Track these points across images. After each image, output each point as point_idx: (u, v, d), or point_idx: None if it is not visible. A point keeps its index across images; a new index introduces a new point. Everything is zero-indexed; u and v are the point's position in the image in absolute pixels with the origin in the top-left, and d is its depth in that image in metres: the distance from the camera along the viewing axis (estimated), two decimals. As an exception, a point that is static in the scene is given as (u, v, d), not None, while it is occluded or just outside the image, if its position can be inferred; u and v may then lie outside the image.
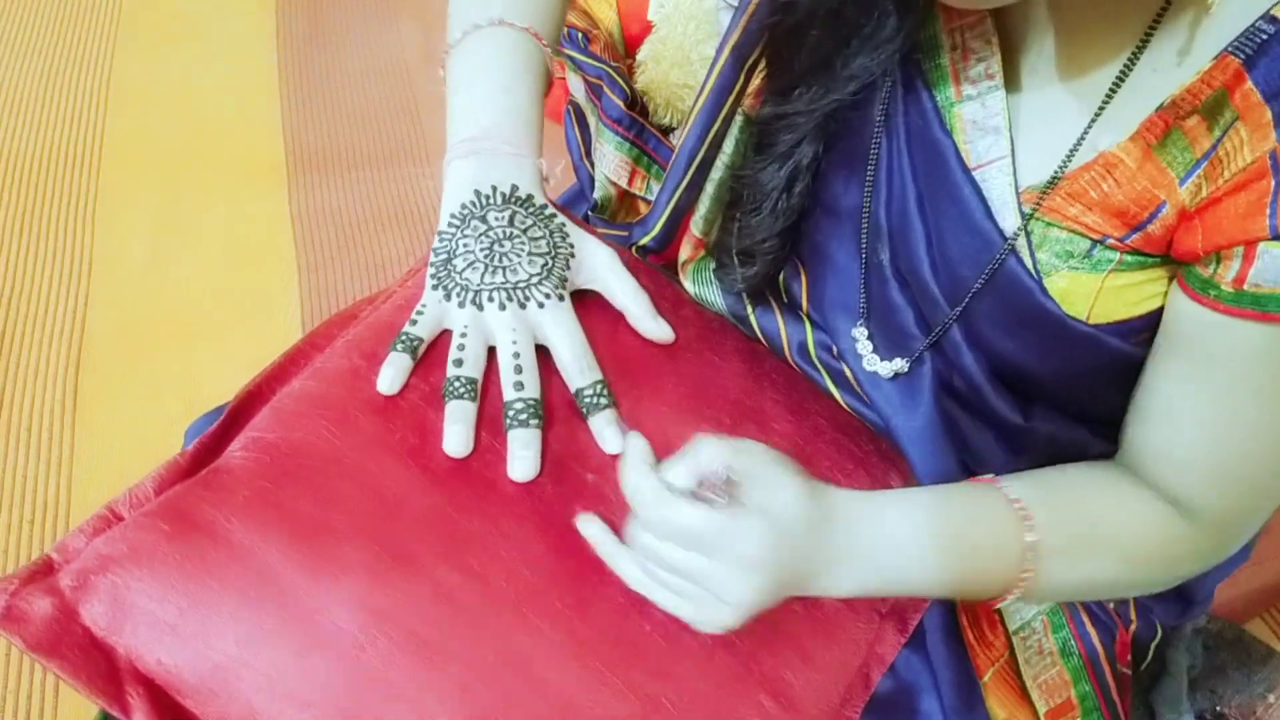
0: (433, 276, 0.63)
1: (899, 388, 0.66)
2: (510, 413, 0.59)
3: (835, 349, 0.69)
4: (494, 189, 0.64)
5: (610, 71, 1.07)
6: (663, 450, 0.61)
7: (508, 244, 0.62)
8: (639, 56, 1.20)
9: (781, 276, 0.71)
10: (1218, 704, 0.84)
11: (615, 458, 0.59)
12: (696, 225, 0.73)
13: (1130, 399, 0.61)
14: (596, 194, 1.01)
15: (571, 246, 0.64)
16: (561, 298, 0.62)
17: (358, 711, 0.51)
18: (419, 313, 0.63)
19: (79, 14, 1.80)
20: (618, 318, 0.67)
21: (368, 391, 0.61)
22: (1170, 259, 0.55)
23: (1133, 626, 0.72)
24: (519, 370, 0.60)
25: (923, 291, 0.62)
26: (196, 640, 0.51)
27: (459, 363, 0.60)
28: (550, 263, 0.63)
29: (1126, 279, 0.56)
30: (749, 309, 0.72)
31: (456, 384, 0.60)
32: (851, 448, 0.68)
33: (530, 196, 0.65)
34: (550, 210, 0.65)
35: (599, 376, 0.62)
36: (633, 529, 0.54)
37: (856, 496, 0.59)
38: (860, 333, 0.67)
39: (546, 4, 0.73)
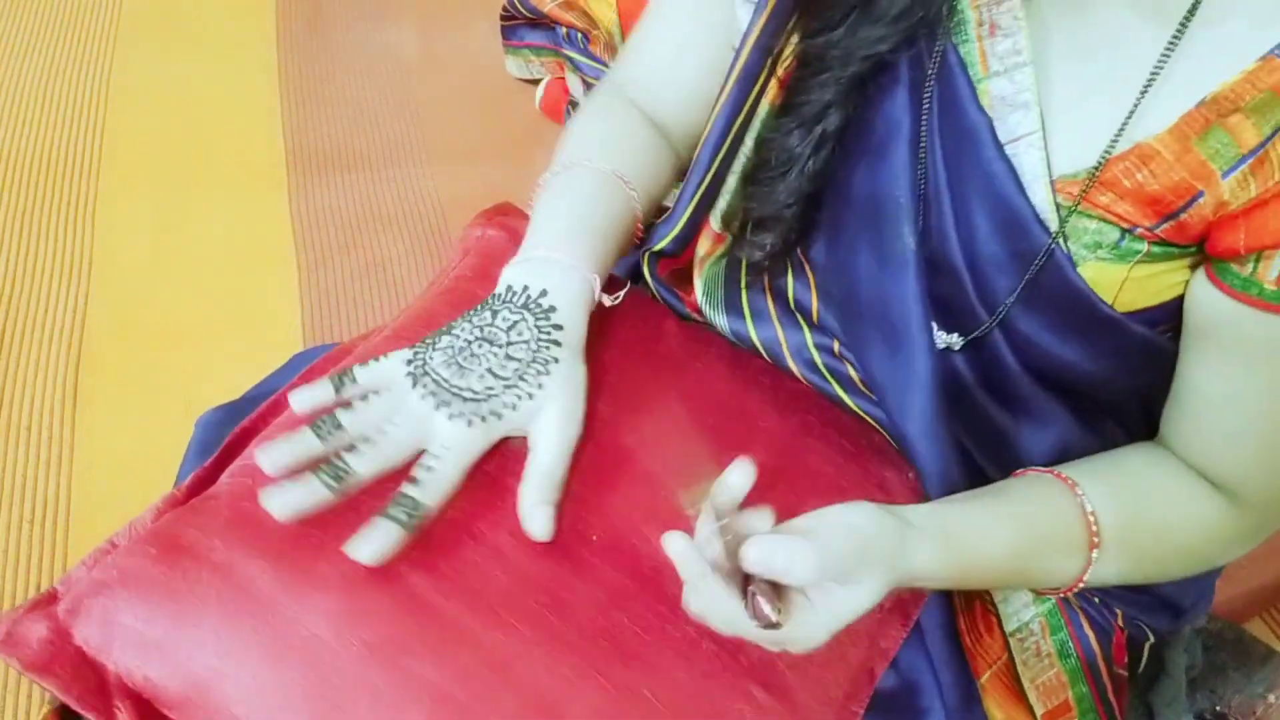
0: (422, 341, 0.60)
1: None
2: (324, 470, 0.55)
3: (836, 347, 0.69)
4: (525, 288, 0.61)
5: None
6: (651, 459, 0.62)
7: (484, 348, 0.59)
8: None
9: (790, 285, 0.71)
10: (1217, 704, 0.84)
11: (584, 458, 0.60)
12: (716, 220, 0.73)
13: (1152, 397, 0.63)
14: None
15: (537, 390, 0.59)
16: (470, 424, 0.57)
17: (335, 716, 0.52)
18: (376, 360, 0.60)
19: (79, 14, 1.81)
20: (606, 342, 0.67)
21: None
22: (1197, 249, 0.56)
23: (1125, 631, 0.72)
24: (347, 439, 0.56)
25: (951, 274, 0.62)
26: (179, 655, 0.53)
27: (349, 405, 0.57)
28: (495, 395, 0.58)
29: (1150, 269, 0.57)
30: (748, 321, 0.72)
31: (322, 422, 0.56)
32: (842, 442, 0.68)
33: (552, 309, 0.61)
34: (556, 337, 0.60)
35: (428, 505, 0.56)
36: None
37: (922, 506, 0.59)
38: None
39: (646, 163, 0.74)
